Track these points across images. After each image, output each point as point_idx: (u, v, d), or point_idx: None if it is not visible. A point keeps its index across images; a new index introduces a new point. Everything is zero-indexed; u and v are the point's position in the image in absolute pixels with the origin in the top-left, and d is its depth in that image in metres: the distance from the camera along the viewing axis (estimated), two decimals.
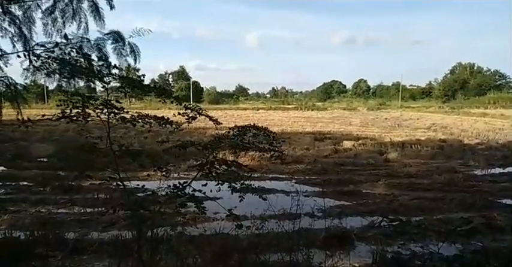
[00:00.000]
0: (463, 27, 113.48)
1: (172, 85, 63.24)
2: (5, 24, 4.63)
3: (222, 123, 3.17)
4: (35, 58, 4.09)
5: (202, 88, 62.53)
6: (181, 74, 63.24)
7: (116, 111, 2.58)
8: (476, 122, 21.42)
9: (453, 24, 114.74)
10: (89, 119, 2.54)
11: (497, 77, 56.06)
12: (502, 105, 38.78)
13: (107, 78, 2.64)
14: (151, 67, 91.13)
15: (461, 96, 51.26)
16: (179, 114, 2.83)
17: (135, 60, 4.59)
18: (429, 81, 63.42)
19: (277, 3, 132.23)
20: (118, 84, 2.73)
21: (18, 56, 4.27)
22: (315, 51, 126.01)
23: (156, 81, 63.73)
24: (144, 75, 56.37)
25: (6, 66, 4.86)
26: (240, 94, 68.61)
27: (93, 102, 2.53)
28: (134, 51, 4.50)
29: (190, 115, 2.81)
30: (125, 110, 2.66)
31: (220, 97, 59.35)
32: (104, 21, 4.58)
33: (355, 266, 3.53)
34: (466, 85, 54.80)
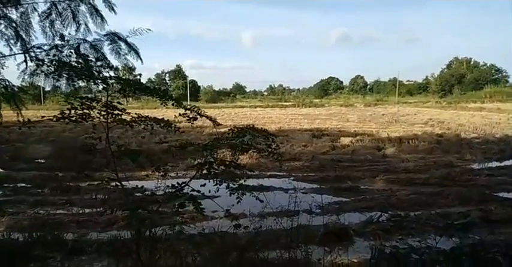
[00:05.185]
0: (460, 24, 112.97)
1: (169, 84, 62.98)
2: (2, 27, 4.60)
3: (221, 124, 3.17)
4: (32, 60, 4.08)
5: (199, 87, 62.30)
6: (178, 73, 62.97)
7: (117, 113, 2.59)
8: (473, 116, 21.48)
9: (449, 21, 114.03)
10: (89, 120, 2.55)
11: (493, 71, 56.10)
12: (498, 99, 38.80)
13: (108, 81, 2.65)
14: (146, 66, 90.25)
15: (458, 91, 51.25)
16: (180, 115, 2.83)
17: (140, 59, 4.55)
18: (426, 76, 63.24)
19: (272, 1, 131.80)
20: (118, 85, 2.74)
21: (25, 61, 4.26)
22: (312, 49, 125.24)
23: (153, 80, 63.49)
24: (140, 75, 56.17)
25: (3, 68, 4.86)
26: (237, 92, 68.23)
27: (96, 104, 2.54)
28: (134, 50, 4.46)
29: (191, 116, 2.82)
30: (125, 111, 2.67)
31: (218, 96, 59.08)
32: (103, 22, 4.54)
33: (353, 261, 3.55)
34: (462, 79, 54.81)
